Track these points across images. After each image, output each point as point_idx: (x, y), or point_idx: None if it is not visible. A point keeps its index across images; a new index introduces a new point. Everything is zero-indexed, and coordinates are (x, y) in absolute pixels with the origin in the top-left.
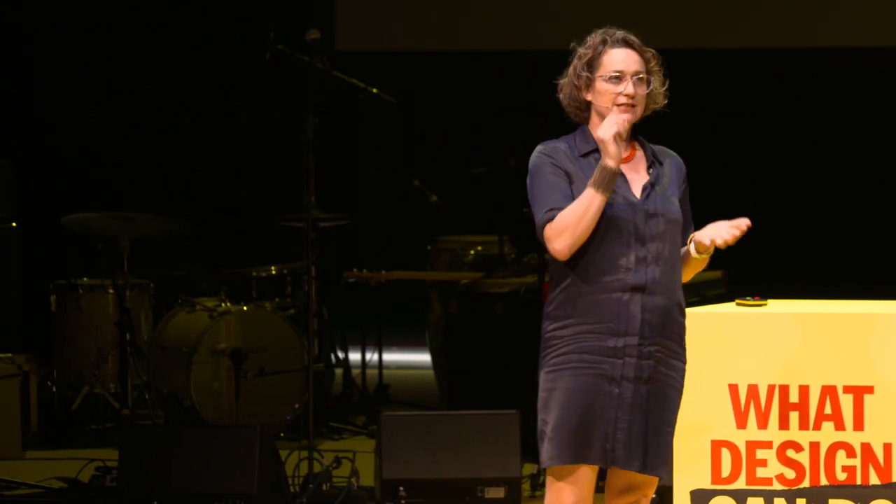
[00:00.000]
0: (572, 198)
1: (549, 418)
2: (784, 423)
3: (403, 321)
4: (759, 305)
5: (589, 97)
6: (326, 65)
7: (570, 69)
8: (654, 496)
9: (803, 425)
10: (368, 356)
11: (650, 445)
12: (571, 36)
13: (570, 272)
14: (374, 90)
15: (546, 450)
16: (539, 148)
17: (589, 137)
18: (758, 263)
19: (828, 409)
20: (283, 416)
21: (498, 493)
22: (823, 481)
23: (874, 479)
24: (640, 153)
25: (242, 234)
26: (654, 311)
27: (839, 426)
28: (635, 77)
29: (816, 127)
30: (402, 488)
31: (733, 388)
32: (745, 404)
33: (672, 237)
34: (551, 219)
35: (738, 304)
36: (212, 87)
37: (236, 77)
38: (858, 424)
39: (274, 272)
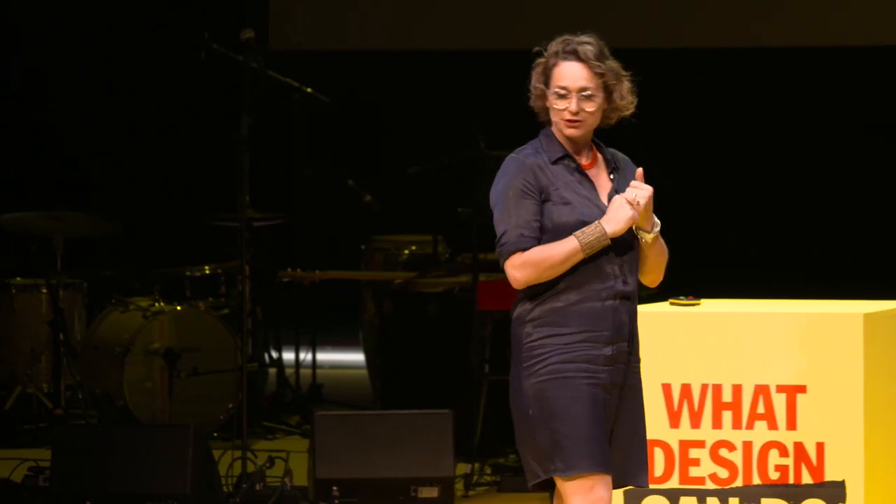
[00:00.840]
0: (539, 216)
1: (560, 427)
2: (717, 423)
3: (337, 321)
4: (693, 305)
5: (548, 104)
6: (261, 64)
7: (532, 76)
8: None
9: (736, 424)
10: (302, 356)
11: (631, 453)
12: (508, 36)
13: (559, 280)
14: (309, 90)
15: (561, 459)
16: (514, 157)
17: (555, 143)
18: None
19: (760, 409)
20: (217, 416)
21: (431, 492)
22: (756, 480)
23: (807, 479)
24: (600, 157)
25: (176, 233)
26: (634, 317)
27: (772, 425)
28: (581, 94)
29: (751, 127)
30: (335, 488)
31: (666, 388)
32: (678, 404)
33: (636, 245)
34: (523, 248)
35: (671, 304)
36: (146, 86)
37: (171, 76)
38: (791, 424)
39: (208, 272)
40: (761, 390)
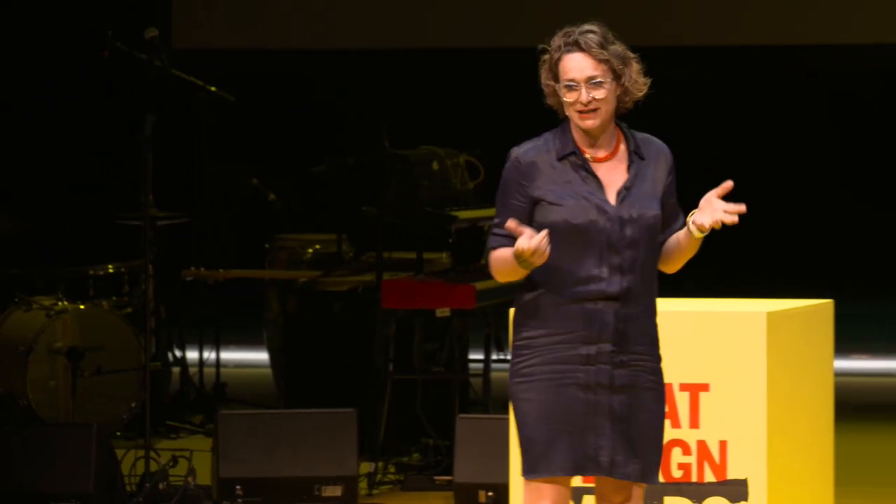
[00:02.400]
0: (521, 215)
1: (523, 430)
2: None
3: (241, 319)
4: None
5: (562, 99)
6: (165, 63)
7: (540, 74)
8: (490, 494)
9: None
10: (206, 355)
11: (639, 453)
12: (418, 35)
13: (542, 281)
14: (213, 88)
15: (523, 462)
16: (515, 153)
17: (567, 137)
18: None
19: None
20: (120, 415)
21: (335, 491)
22: (659, 479)
23: (709, 477)
24: (622, 149)
25: (80, 232)
26: (628, 319)
27: (675, 424)
28: (589, 83)
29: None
30: (239, 487)
31: None
32: None
33: (648, 241)
34: (493, 248)
35: None
36: (49, 85)
37: (74, 74)
38: (694, 422)
39: (111, 270)
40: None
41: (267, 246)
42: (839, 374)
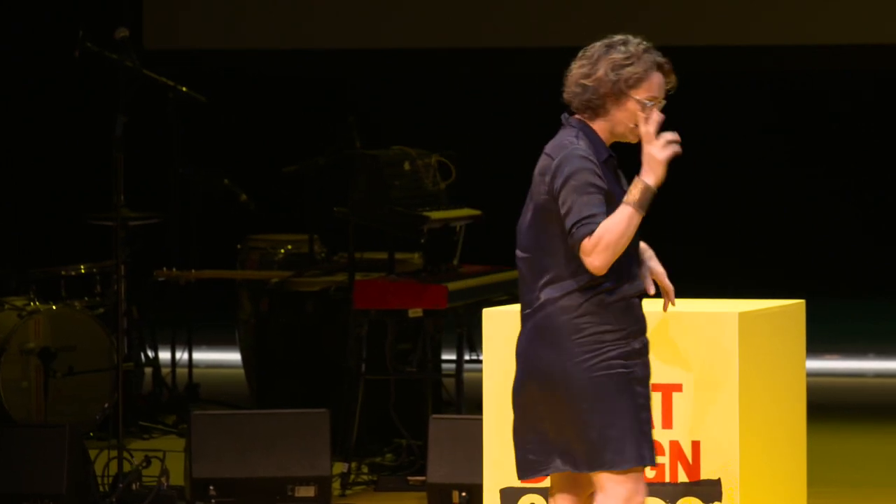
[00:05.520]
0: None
1: (615, 422)
2: None
3: (213, 320)
4: None
5: (610, 106)
6: (136, 63)
7: (605, 71)
8: (464, 494)
9: None
10: (178, 355)
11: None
12: (394, 34)
13: (604, 277)
14: (184, 88)
15: (620, 452)
16: (581, 153)
17: (600, 142)
18: None
19: None
20: (93, 416)
21: (308, 491)
22: None
23: (682, 477)
24: None
25: (52, 232)
26: None
27: None
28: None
29: None
30: (212, 487)
31: None
32: None
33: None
34: (590, 233)
35: None
36: (19, 85)
37: (45, 75)
38: (667, 422)
39: (83, 271)
40: None
41: (239, 246)
42: (811, 375)
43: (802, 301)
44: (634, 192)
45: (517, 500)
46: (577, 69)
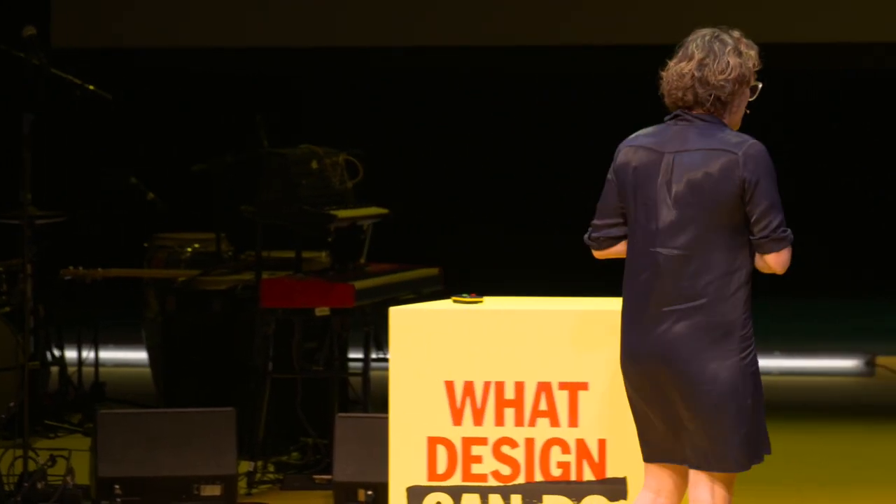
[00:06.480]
0: None
1: (762, 417)
2: (499, 420)
3: (120, 319)
4: (476, 303)
5: (736, 97)
6: (43, 61)
7: (737, 62)
8: (370, 493)
9: (519, 422)
10: (84, 354)
11: None
12: (304, 33)
13: (751, 273)
14: (91, 87)
15: (767, 447)
16: (765, 150)
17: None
18: (474, 261)
19: (543, 406)
20: None
21: (214, 490)
22: (538, 477)
23: (588, 475)
24: None
25: None
26: None
27: (554, 422)
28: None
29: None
30: (117, 486)
31: (449, 385)
32: (460, 401)
33: None
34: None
35: (454, 302)
36: None
37: None
38: (573, 421)
39: None
40: (543, 387)
41: (146, 245)
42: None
43: None
44: None
45: (423, 499)
46: (713, 65)
